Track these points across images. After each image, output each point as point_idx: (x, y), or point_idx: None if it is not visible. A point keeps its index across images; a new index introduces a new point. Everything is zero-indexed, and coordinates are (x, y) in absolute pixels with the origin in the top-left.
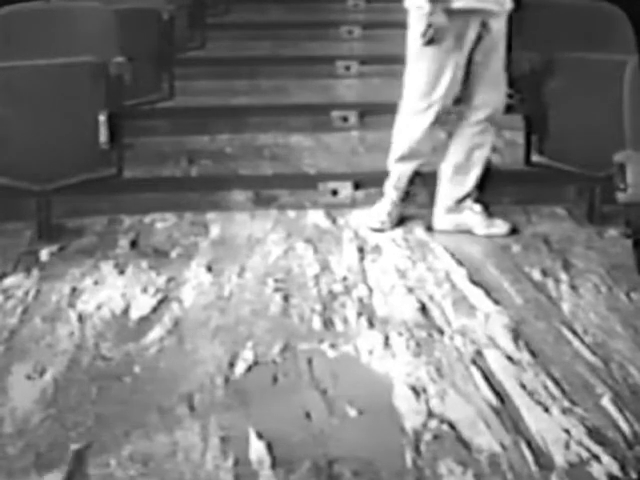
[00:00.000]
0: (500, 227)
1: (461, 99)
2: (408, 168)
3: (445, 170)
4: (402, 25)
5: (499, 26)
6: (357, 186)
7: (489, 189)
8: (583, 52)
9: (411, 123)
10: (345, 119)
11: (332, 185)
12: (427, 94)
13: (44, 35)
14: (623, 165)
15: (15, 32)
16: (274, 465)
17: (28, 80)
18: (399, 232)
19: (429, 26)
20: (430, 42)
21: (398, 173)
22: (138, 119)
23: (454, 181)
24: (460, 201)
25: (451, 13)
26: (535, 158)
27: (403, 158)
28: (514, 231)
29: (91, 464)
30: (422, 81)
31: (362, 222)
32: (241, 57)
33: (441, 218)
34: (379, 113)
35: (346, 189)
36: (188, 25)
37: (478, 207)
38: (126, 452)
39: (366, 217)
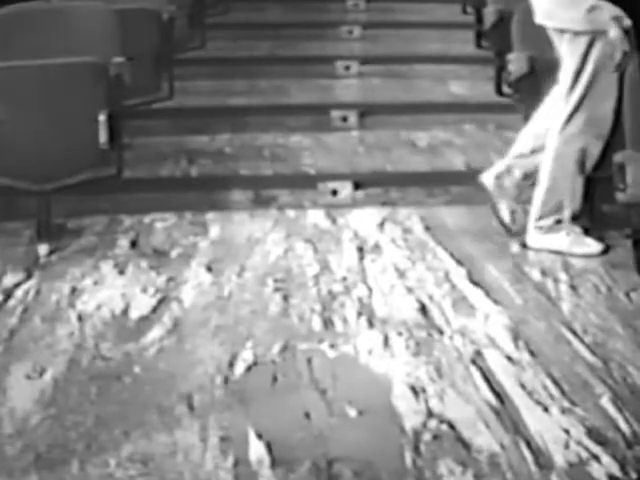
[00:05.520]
0: (593, 246)
1: None
2: None
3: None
4: (402, 25)
5: None
6: (357, 186)
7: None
8: None
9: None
10: (345, 119)
11: (332, 185)
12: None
13: (44, 35)
14: (623, 165)
15: (15, 32)
16: (274, 465)
17: (28, 80)
18: (398, 232)
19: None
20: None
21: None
22: (138, 119)
23: None
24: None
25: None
26: None
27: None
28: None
29: (91, 464)
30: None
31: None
32: (241, 57)
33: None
34: (379, 113)
35: (346, 189)
36: (188, 25)
37: (577, 229)
38: (126, 452)
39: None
